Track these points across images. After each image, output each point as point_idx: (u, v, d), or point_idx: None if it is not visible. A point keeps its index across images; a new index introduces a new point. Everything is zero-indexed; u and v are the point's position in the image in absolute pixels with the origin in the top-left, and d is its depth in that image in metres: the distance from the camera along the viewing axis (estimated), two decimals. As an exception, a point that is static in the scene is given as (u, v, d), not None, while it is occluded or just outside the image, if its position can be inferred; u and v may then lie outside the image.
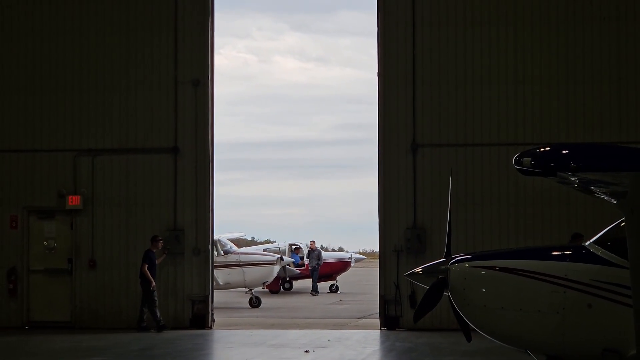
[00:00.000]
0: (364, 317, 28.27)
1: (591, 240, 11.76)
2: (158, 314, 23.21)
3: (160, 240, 23.62)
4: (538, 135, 23.13)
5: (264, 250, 42.00)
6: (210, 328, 23.95)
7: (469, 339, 12.89)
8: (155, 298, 23.21)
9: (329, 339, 21.42)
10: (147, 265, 23.17)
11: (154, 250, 23.47)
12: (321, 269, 43.04)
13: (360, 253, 65.32)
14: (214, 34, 24.44)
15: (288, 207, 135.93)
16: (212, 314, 24.27)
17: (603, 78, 23.23)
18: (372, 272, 37.95)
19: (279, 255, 38.28)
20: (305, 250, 43.52)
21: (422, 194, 23.48)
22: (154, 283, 23.20)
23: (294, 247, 43.97)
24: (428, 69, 23.66)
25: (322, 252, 47.47)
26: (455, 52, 23.60)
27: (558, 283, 11.42)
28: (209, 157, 24.29)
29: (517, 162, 8.93)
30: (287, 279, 42.88)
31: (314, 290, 41.01)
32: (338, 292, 42.58)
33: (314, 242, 42.73)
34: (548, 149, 8.88)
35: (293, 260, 41.80)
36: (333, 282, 43.67)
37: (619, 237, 11.12)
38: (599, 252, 11.45)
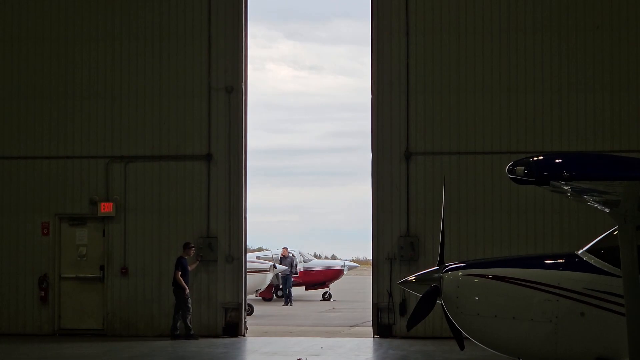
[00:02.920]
0: (356, 325, 28.25)
1: (584, 249, 11.79)
2: (190, 323, 22.99)
3: (193, 247, 23.43)
4: (531, 143, 23.16)
5: (257, 257, 41.92)
6: (244, 336, 23.79)
7: (461, 347, 12.92)
8: (189, 305, 23.02)
9: (322, 347, 21.40)
10: (180, 273, 23.01)
11: (186, 257, 23.33)
12: (314, 277, 42.95)
13: (353, 261, 65.26)
14: (247, 41, 24.37)
15: (281, 215, 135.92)
16: (245, 322, 24.14)
17: (596, 86, 23.29)
18: (365, 279, 37.93)
19: (272, 263, 38.26)
20: (299, 259, 43.39)
21: (416, 202, 23.49)
22: (187, 290, 23.04)
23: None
24: (422, 77, 23.69)
25: (315, 260, 47.44)
26: (449, 60, 23.64)
27: (551, 291, 11.46)
28: (243, 164, 24.15)
29: (510, 171, 8.96)
30: (280, 286, 42.81)
31: (288, 301, 39.23)
32: (331, 299, 42.53)
33: (286, 248, 42.33)
34: (541, 157, 8.91)
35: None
36: (326, 289, 43.63)
37: (611, 246, 11.17)
38: (592, 260, 11.49)
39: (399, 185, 23.57)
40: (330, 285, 44.06)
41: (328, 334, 25.10)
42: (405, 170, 23.61)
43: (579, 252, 11.79)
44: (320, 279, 43.63)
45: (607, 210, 10.20)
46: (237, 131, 24.12)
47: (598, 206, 10.28)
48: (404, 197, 23.54)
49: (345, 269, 45.38)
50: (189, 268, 23.25)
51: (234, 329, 23.75)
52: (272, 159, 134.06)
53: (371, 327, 23.88)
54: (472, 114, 23.53)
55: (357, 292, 45.38)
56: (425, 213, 23.26)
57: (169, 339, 22.88)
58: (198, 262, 23.65)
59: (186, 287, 22.99)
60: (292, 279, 41.55)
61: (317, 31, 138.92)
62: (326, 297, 42.98)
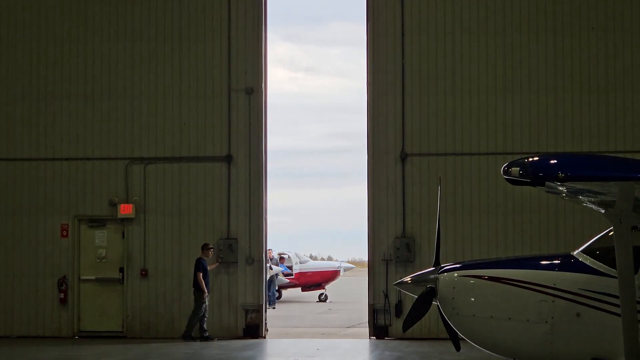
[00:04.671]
0: (353, 326, 28.24)
1: (579, 250, 11.80)
2: (193, 325, 22.97)
3: (211, 248, 23.37)
4: (526, 144, 23.20)
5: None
6: (264, 337, 23.76)
7: (458, 348, 12.93)
8: (203, 309, 22.99)
9: (318, 348, 21.41)
10: (201, 274, 22.99)
11: (205, 258, 23.30)
12: (310, 278, 42.90)
13: (349, 262, 65.21)
14: (267, 42, 24.40)
15: (277, 216, 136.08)
16: (266, 323, 24.11)
17: (591, 87, 23.32)
18: (361, 281, 37.88)
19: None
20: (295, 260, 43.34)
21: (411, 203, 23.51)
22: (207, 293, 22.96)
23: (280, 256, 43.82)
24: (417, 78, 23.71)
25: (311, 261, 47.38)
26: (444, 61, 23.67)
27: (547, 292, 11.47)
28: (263, 165, 24.16)
29: (506, 172, 8.97)
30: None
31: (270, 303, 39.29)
32: (327, 301, 42.53)
33: (270, 250, 42.21)
34: (536, 158, 8.93)
35: (282, 269, 41.71)
36: (322, 291, 43.63)
37: (607, 247, 11.19)
38: (588, 261, 11.50)
39: (394, 186, 23.58)
40: (327, 287, 44.07)
41: (324, 335, 25.10)
42: (401, 171, 23.63)
43: (575, 252, 11.81)
44: (316, 280, 43.60)
45: (603, 211, 10.21)
46: (257, 132, 24.12)
47: (593, 207, 10.29)
48: (399, 198, 23.55)
49: (342, 270, 45.36)
50: (208, 268, 23.25)
51: (254, 330, 23.76)
52: (267, 160, 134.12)
53: (367, 329, 23.87)
54: (467, 115, 23.55)
55: (353, 294, 45.34)
56: (421, 214, 23.29)
57: (186, 341, 22.88)
58: (218, 263, 23.64)
59: (205, 290, 22.93)
60: (288, 281, 41.56)
61: (313, 33, 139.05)
62: (322, 299, 42.98)
